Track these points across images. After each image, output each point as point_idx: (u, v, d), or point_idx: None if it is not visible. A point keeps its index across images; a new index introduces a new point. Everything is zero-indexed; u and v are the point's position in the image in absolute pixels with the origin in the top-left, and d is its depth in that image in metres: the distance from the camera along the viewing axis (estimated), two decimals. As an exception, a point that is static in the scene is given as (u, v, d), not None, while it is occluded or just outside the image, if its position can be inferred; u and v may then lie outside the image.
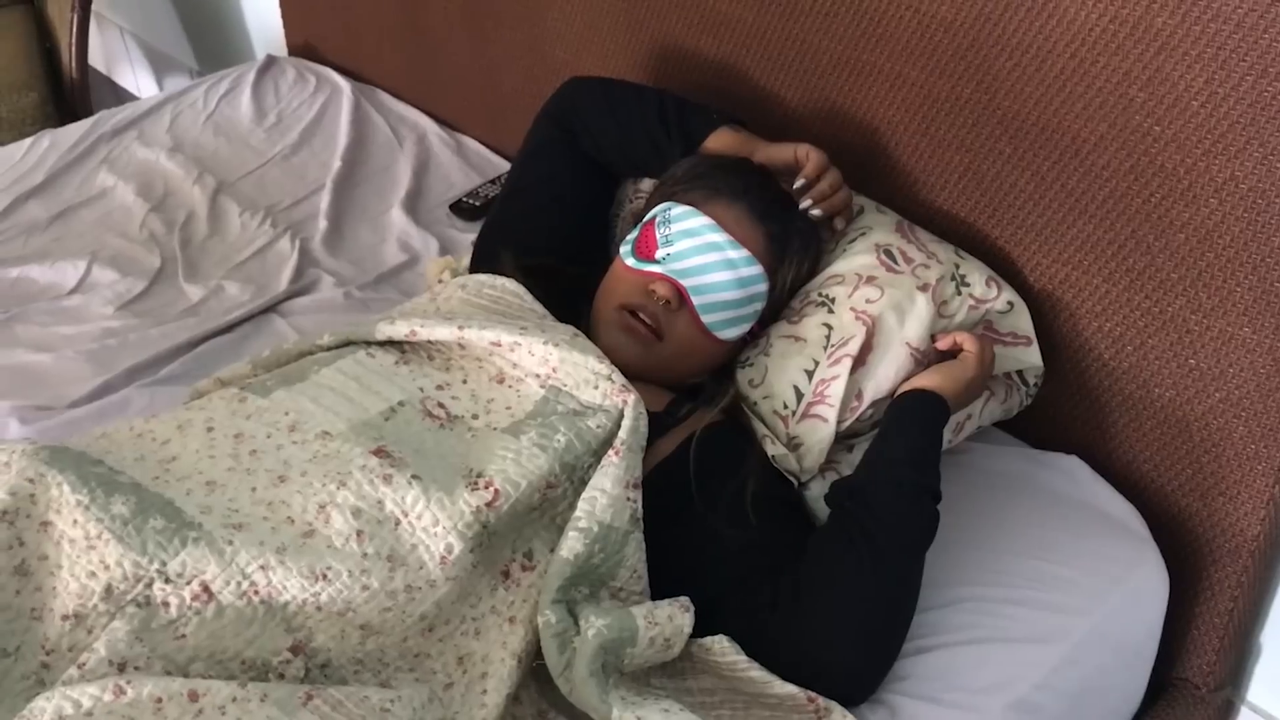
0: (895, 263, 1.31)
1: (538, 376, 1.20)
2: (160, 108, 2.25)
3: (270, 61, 2.39)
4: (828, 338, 1.27)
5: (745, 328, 1.30)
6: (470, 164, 2.08)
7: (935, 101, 1.38)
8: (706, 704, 1.09)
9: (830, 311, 1.29)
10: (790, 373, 1.27)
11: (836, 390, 1.24)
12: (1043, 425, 1.41)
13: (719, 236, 1.27)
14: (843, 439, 1.27)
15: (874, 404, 1.26)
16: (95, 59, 3.26)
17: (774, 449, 1.25)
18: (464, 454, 1.12)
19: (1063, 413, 1.40)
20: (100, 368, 1.58)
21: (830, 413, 1.24)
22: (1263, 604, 1.42)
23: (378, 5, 2.24)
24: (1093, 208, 1.28)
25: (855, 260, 1.32)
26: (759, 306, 1.30)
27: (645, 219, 1.32)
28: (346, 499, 1.05)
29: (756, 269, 1.28)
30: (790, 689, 1.08)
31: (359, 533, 1.03)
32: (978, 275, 1.32)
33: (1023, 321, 1.32)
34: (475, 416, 1.17)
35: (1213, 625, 1.38)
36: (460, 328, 1.20)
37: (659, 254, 1.28)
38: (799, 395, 1.26)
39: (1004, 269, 1.36)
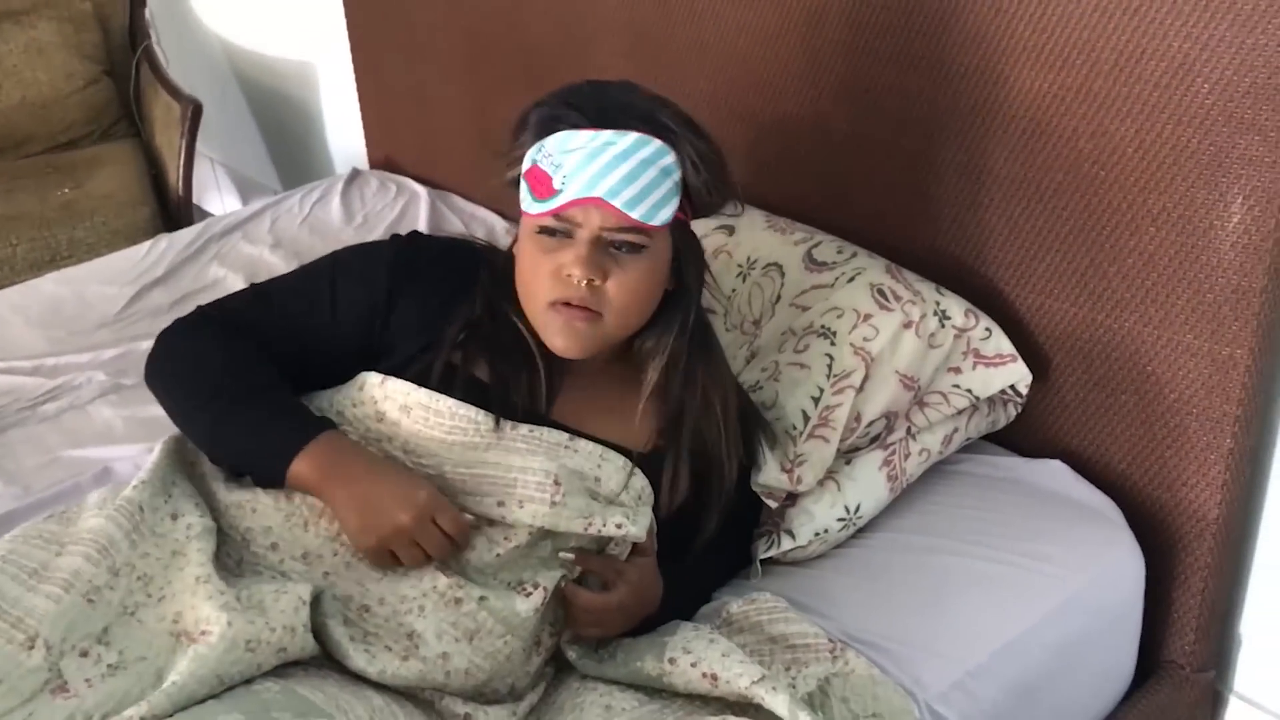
0: (887, 300, 1.53)
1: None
2: (261, 213, 2.57)
3: (355, 174, 2.72)
4: (829, 367, 1.48)
5: (674, 205, 1.26)
6: (532, 251, 2.37)
7: (919, 164, 1.65)
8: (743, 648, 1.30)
9: (832, 344, 1.50)
10: (798, 398, 1.47)
11: (840, 416, 1.46)
12: (1028, 435, 1.63)
13: (599, 138, 1.23)
14: (841, 454, 1.49)
15: (869, 424, 1.49)
16: (189, 186, 3.64)
17: (764, 476, 1.41)
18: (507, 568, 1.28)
19: (1045, 423, 1.63)
20: (223, 416, 1.86)
21: (833, 435, 1.45)
22: (1237, 590, 1.61)
23: (449, 118, 2.58)
24: (1056, 243, 1.54)
25: (854, 297, 1.54)
26: (677, 178, 1.26)
27: (523, 170, 1.27)
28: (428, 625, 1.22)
29: (651, 145, 1.24)
30: (814, 632, 1.30)
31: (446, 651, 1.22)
32: (957, 308, 1.55)
33: (1003, 343, 1.55)
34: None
35: (1189, 606, 1.57)
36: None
37: (556, 183, 1.23)
38: (806, 418, 1.47)
39: (986, 301, 1.60)
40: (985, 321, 1.55)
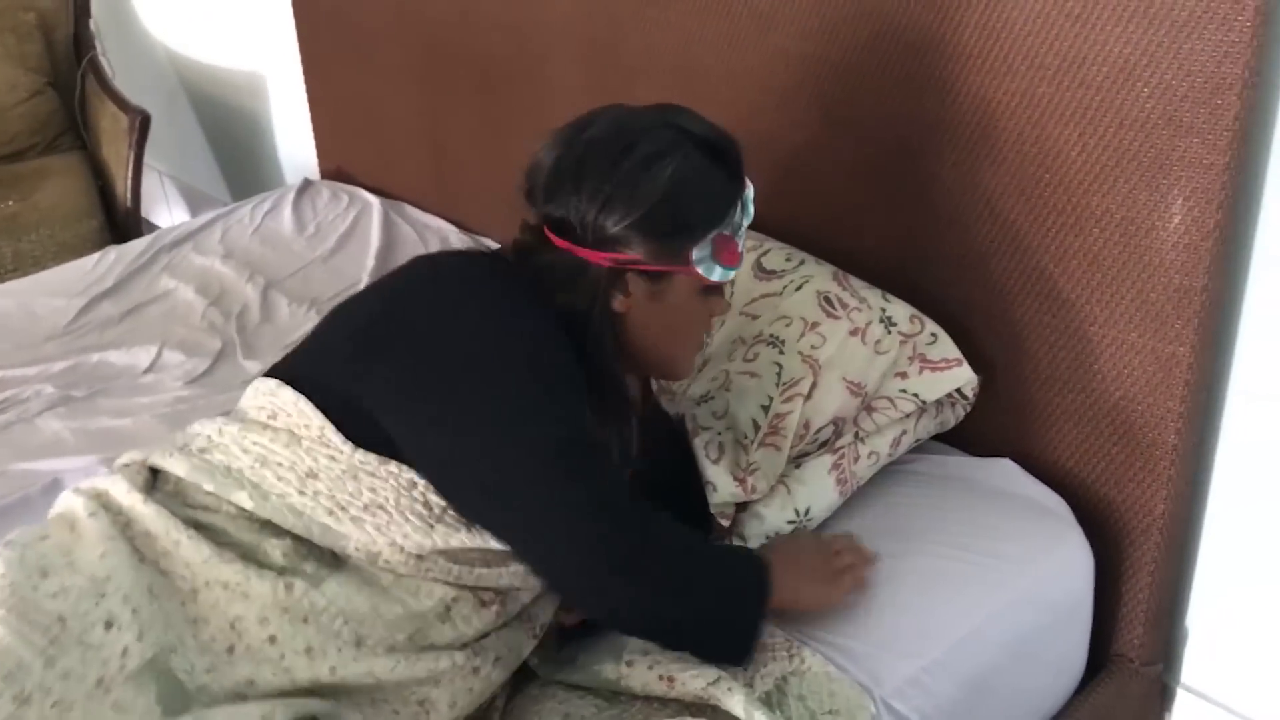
0: (834, 308, 1.56)
1: None
2: (212, 224, 2.56)
3: (307, 184, 2.72)
4: (779, 375, 1.51)
5: None
6: (486, 260, 2.38)
7: (868, 171, 1.68)
8: None
9: (781, 352, 1.53)
10: (749, 407, 1.50)
11: (790, 423, 1.48)
12: (977, 434, 1.66)
13: (750, 190, 1.35)
14: (790, 460, 1.50)
15: (818, 431, 1.50)
16: (138, 198, 3.61)
17: (719, 496, 1.42)
18: None
19: (995, 423, 1.65)
20: (174, 426, 1.83)
21: (784, 443, 1.47)
22: (1184, 584, 1.65)
23: (401, 128, 2.57)
24: (1003, 245, 1.56)
25: (801, 306, 1.56)
26: None
27: (715, 232, 1.30)
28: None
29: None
30: (770, 631, 1.31)
31: None
32: (902, 314, 1.57)
33: (948, 348, 1.57)
34: None
35: (1137, 601, 1.60)
36: None
37: (739, 247, 1.33)
38: (757, 427, 1.48)
39: (935, 303, 1.62)
40: (931, 327, 1.57)
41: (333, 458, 1.21)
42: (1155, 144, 1.37)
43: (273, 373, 1.32)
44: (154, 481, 1.26)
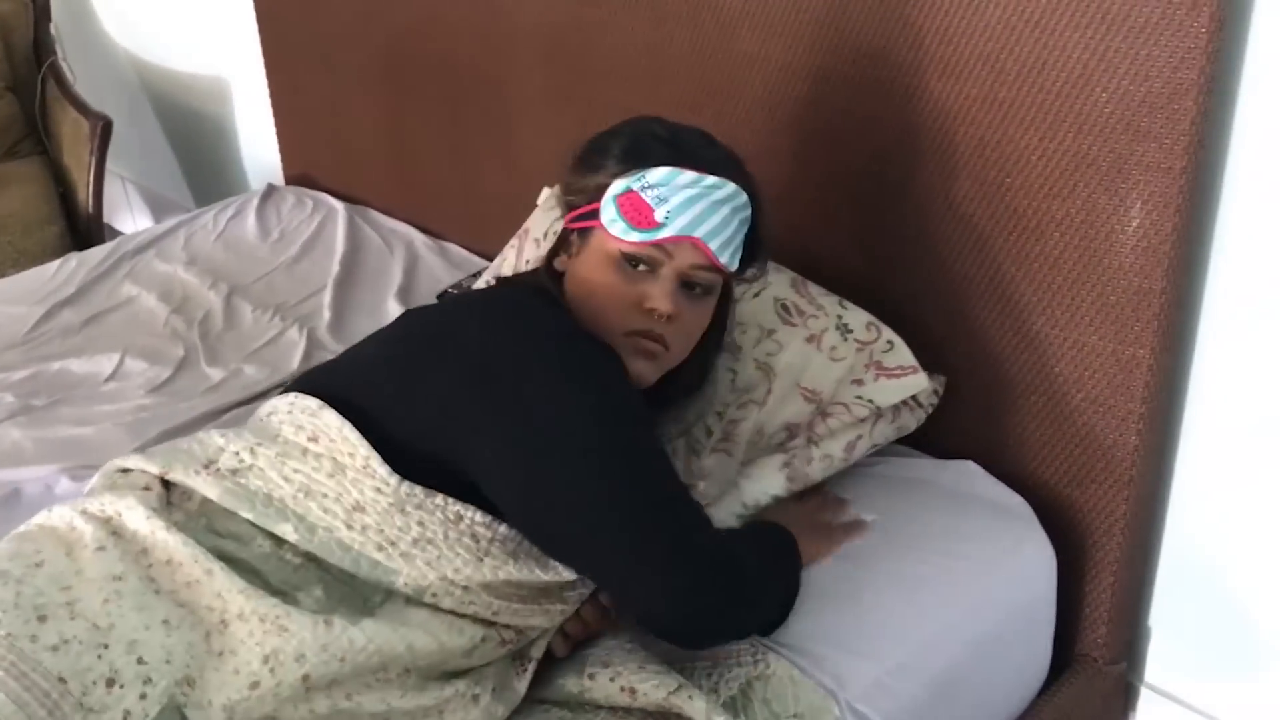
0: (791, 316, 1.56)
1: None
2: (175, 230, 2.53)
3: (271, 190, 2.70)
4: (733, 381, 1.52)
5: (740, 253, 1.36)
6: (455, 265, 2.35)
7: (832, 176, 1.68)
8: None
9: (736, 359, 1.53)
10: (704, 413, 1.49)
11: (743, 430, 1.48)
12: (940, 436, 1.66)
13: (705, 181, 1.29)
14: (741, 465, 1.50)
15: (770, 435, 1.51)
16: (100, 204, 3.57)
17: None
18: None
19: (958, 425, 1.66)
20: (136, 435, 1.82)
21: (736, 449, 1.48)
22: (1146, 584, 1.66)
23: (365, 133, 2.56)
24: (965, 249, 1.57)
25: (758, 312, 1.57)
26: (746, 230, 1.35)
27: (617, 192, 1.29)
28: None
29: (742, 197, 1.32)
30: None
31: None
32: (859, 321, 1.57)
33: (905, 355, 1.56)
34: None
35: (1100, 601, 1.61)
36: None
37: (658, 215, 1.27)
38: (710, 432, 1.48)
39: (897, 307, 1.63)
40: (887, 334, 1.58)
41: (379, 490, 1.18)
42: (1114, 148, 1.38)
43: (304, 388, 1.28)
44: (168, 495, 1.21)
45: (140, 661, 1.05)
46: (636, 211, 1.28)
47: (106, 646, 1.05)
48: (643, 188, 1.28)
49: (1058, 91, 1.41)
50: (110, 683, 1.03)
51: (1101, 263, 1.45)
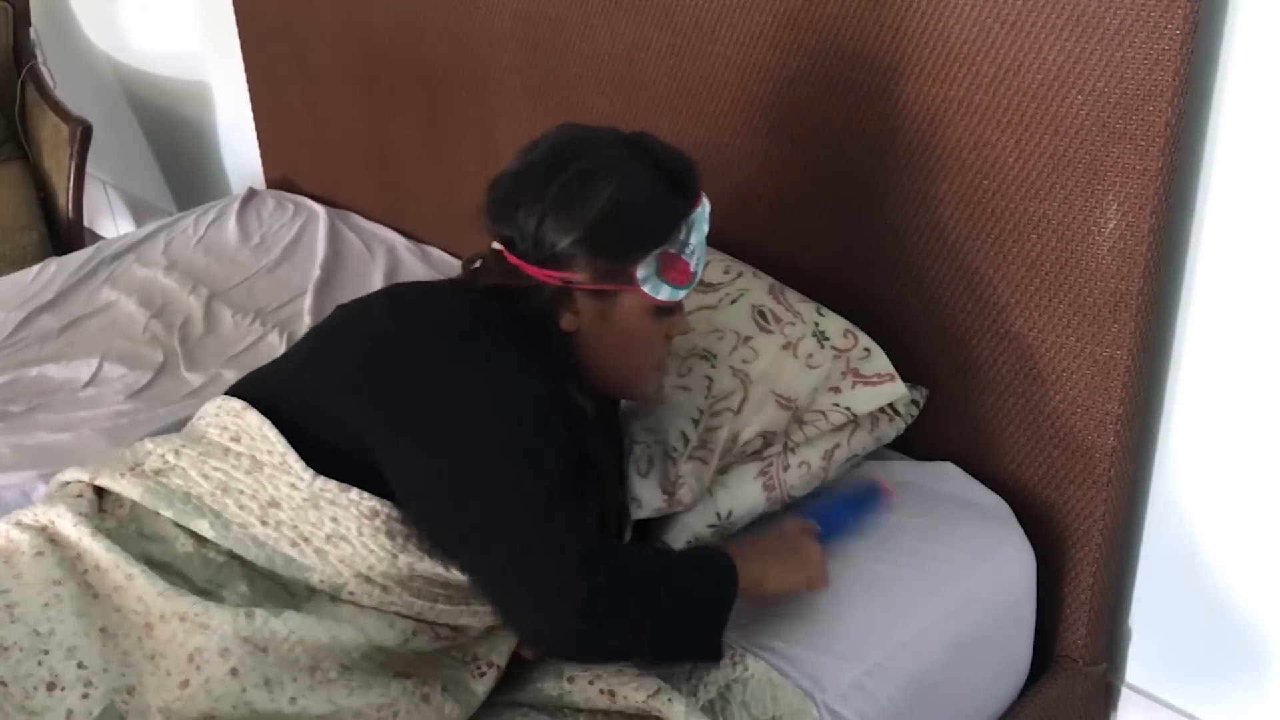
0: (767, 323, 1.56)
1: None
2: (155, 235, 2.52)
3: (252, 194, 2.69)
4: (709, 389, 1.51)
5: None
6: (436, 269, 2.35)
7: (810, 179, 1.68)
8: None
9: (713, 366, 1.52)
10: (679, 421, 1.49)
11: (719, 438, 1.47)
12: (919, 438, 1.66)
13: (706, 209, 1.33)
14: (719, 470, 1.49)
15: (745, 443, 1.50)
16: (81, 209, 3.56)
17: (644, 510, 1.42)
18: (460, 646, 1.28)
19: (936, 427, 1.66)
20: (115, 441, 1.81)
21: (712, 457, 1.47)
22: (1125, 584, 1.67)
23: (346, 137, 2.56)
24: (943, 251, 1.58)
25: (735, 319, 1.56)
26: None
27: (657, 266, 1.29)
28: None
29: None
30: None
31: None
32: (836, 329, 1.58)
33: (882, 363, 1.57)
34: None
35: (1080, 601, 1.62)
36: None
37: (692, 267, 1.31)
38: (686, 440, 1.48)
39: (876, 310, 1.63)
40: (864, 341, 1.58)
41: (294, 485, 1.19)
42: (1089, 150, 1.39)
43: (237, 392, 1.29)
44: (100, 503, 1.23)
45: (81, 666, 1.08)
46: (679, 273, 1.30)
47: (47, 652, 1.08)
48: (680, 248, 1.30)
49: (1033, 94, 1.42)
50: (51, 686, 1.06)
51: (1079, 264, 1.45)
